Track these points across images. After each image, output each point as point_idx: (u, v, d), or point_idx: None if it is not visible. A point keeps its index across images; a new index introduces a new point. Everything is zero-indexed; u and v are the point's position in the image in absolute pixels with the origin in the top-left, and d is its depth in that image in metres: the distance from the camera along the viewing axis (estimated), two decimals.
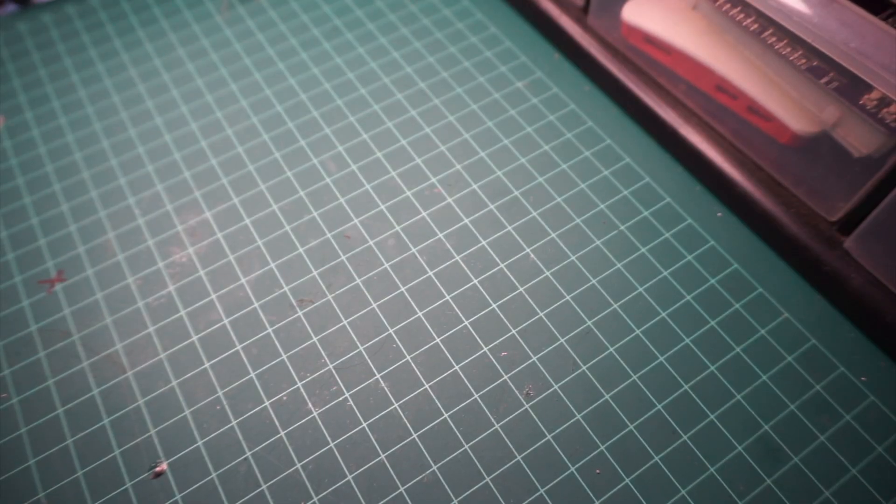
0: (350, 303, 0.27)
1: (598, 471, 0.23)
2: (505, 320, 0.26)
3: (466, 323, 0.26)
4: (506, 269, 0.28)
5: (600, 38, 0.33)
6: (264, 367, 0.25)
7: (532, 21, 0.36)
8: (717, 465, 0.23)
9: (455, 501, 0.23)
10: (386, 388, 0.25)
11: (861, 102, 0.23)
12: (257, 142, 0.32)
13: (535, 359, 0.25)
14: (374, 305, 0.27)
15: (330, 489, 0.23)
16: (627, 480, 0.23)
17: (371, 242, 0.28)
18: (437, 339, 0.26)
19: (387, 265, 0.28)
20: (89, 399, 0.25)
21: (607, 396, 0.25)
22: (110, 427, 0.24)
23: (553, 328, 0.26)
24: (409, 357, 0.26)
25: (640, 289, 0.27)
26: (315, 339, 0.26)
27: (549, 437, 0.24)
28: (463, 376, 0.25)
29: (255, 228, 0.29)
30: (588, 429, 0.24)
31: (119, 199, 0.30)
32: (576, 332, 0.26)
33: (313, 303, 0.27)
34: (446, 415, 0.24)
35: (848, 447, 0.24)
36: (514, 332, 0.26)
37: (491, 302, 0.27)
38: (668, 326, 0.26)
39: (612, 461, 0.23)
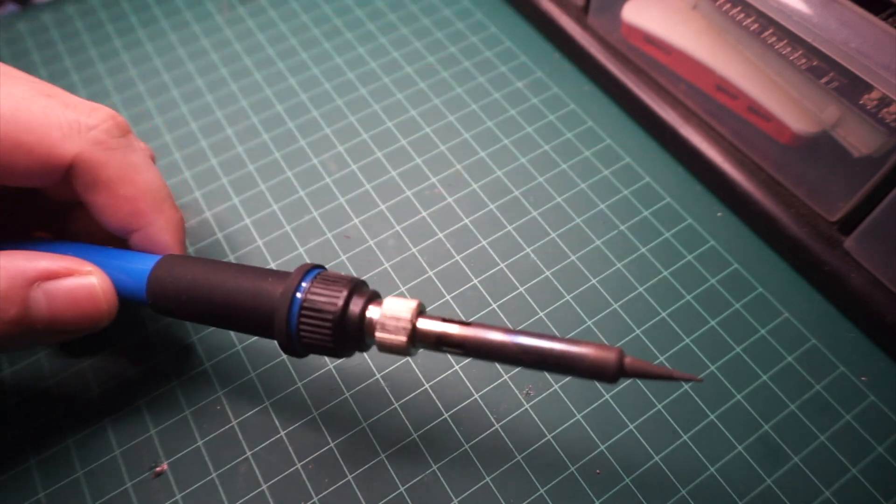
0: None
1: (598, 471, 0.23)
2: (505, 320, 0.26)
3: None
4: (506, 269, 0.28)
5: (600, 38, 0.33)
6: (265, 367, 0.25)
7: (532, 21, 0.36)
8: (717, 465, 0.23)
9: (455, 501, 0.23)
10: (386, 388, 0.25)
11: (861, 102, 0.23)
12: (257, 142, 0.32)
13: None
14: None
15: (330, 489, 0.23)
16: (627, 480, 0.23)
17: (371, 242, 0.28)
18: None
19: (387, 265, 0.28)
20: (89, 399, 0.25)
21: (608, 397, 0.25)
22: (110, 427, 0.24)
23: (553, 328, 0.26)
24: (408, 357, 0.26)
25: (640, 289, 0.27)
26: None
27: (549, 436, 0.24)
28: (463, 376, 0.25)
29: (255, 228, 0.29)
30: (588, 429, 0.24)
31: None
32: (576, 332, 0.26)
33: None
34: (446, 415, 0.24)
35: (848, 447, 0.24)
36: None
37: (491, 302, 0.27)
38: (668, 326, 0.26)
39: (612, 461, 0.23)
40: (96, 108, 0.22)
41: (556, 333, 0.26)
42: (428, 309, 0.27)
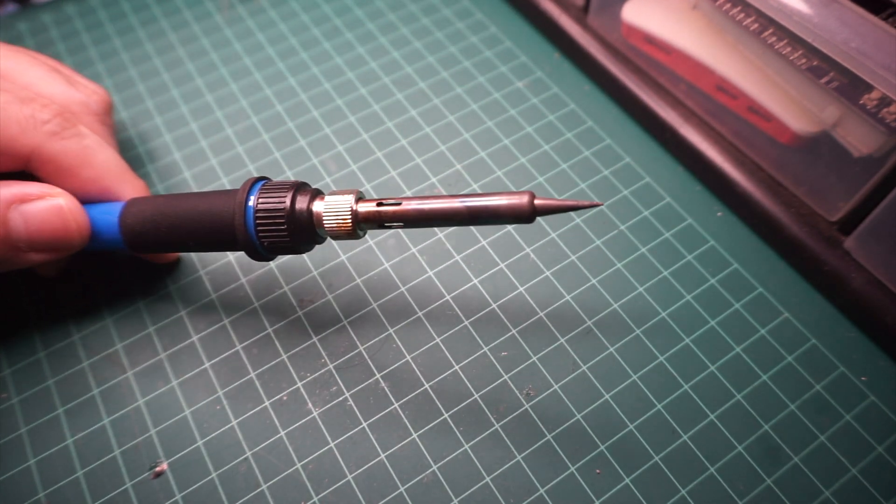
0: (350, 303, 0.27)
1: (598, 471, 0.23)
2: (505, 320, 0.26)
3: (466, 323, 0.26)
4: (506, 269, 0.28)
5: (600, 38, 0.33)
6: (264, 367, 0.25)
7: (532, 21, 0.36)
8: (717, 465, 0.23)
9: (455, 501, 0.23)
10: (386, 388, 0.25)
11: (861, 102, 0.23)
12: (257, 141, 0.32)
13: (535, 359, 0.25)
14: (374, 305, 0.27)
15: (330, 489, 0.23)
16: (627, 480, 0.23)
17: (371, 242, 0.28)
18: (437, 339, 0.26)
19: (387, 265, 0.28)
20: (89, 399, 0.25)
21: (607, 396, 0.25)
22: (110, 427, 0.24)
23: (553, 328, 0.26)
24: (408, 357, 0.26)
25: (640, 289, 0.27)
26: (315, 339, 0.26)
27: (549, 436, 0.24)
28: (463, 376, 0.25)
29: None
30: (588, 429, 0.24)
31: None
32: (576, 332, 0.26)
33: (313, 303, 0.27)
34: (446, 415, 0.24)
35: (848, 447, 0.24)
36: (514, 331, 0.26)
37: (491, 302, 0.27)
38: (668, 326, 0.26)
39: (612, 461, 0.23)
40: (47, 105, 0.24)
41: (557, 334, 0.26)
42: (430, 307, 0.27)
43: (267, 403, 0.25)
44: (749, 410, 0.24)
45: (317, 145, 0.32)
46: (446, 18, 0.36)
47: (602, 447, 0.24)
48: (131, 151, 0.31)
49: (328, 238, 0.23)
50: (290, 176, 0.30)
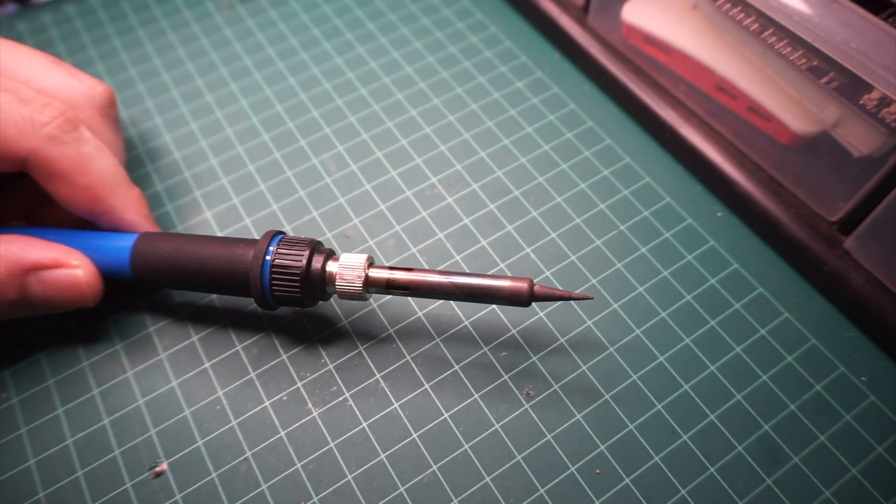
0: (350, 303, 0.27)
1: (598, 471, 0.23)
2: (505, 320, 0.26)
3: (466, 323, 0.26)
4: (506, 269, 0.28)
5: (600, 38, 0.33)
6: (264, 367, 0.25)
7: (532, 21, 0.36)
8: (717, 465, 0.23)
9: (455, 501, 0.23)
10: (386, 388, 0.25)
11: (861, 102, 0.23)
12: (257, 141, 0.32)
13: (535, 359, 0.25)
14: (375, 306, 0.27)
15: (330, 489, 0.23)
16: (627, 480, 0.23)
17: (371, 242, 0.28)
18: (437, 339, 0.26)
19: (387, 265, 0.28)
20: (89, 399, 0.25)
21: (607, 396, 0.25)
22: (110, 427, 0.24)
23: (553, 328, 0.26)
24: (408, 357, 0.26)
25: (640, 289, 0.27)
26: (315, 338, 0.26)
27: (549, 436, 0.24)
28: (463, 376, 0.25)
29: (256, 228, 0.29)
30: (588, 429, 0.24)
31: None
32: (576, 331, 0.26)
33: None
34: (446, 415, 0.24)
35: (848, 447, 0.24)
36: (514, 331, 0.26)
37: None
38: (668, 326, 0.26)
39: (612, 461, 0.23)
40: (48, 105, 0.23)
41: (557, 334, 0.26)
42: (430, 307, 0.27)
43: (267, 403, 0.25)
44: (749, 410, 0.24)
45: (317, 145, 0.32)
46: (446, 18, 0.36)
47: (602, 447, 0.24)
48: (131, 151, 0.31)
49: (333, 296, 0.24)
50: (290, 177, 0.30)
